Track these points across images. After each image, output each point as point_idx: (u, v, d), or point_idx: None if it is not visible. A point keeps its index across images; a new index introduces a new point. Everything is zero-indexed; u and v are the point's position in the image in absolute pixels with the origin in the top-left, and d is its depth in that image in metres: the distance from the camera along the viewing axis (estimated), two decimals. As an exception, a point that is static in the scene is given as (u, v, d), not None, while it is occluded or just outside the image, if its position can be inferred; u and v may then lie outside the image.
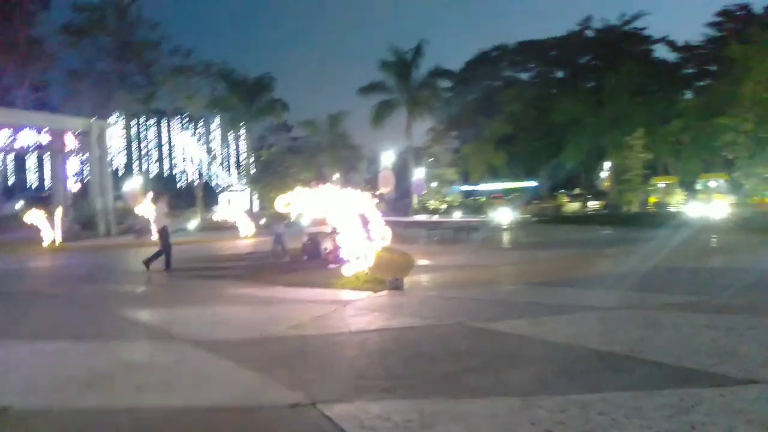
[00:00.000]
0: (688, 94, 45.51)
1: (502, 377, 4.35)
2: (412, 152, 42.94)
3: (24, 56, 37.42)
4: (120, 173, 41.89)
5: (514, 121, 45.26)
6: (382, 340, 5.80)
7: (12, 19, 36.96)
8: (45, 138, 33.30)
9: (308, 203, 9.94)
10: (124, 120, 43.29)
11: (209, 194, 47.41)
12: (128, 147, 45.24)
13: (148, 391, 4.31)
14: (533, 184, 55.49)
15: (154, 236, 24.06)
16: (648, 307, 6.66)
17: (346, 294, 8.60)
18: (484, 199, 50.18)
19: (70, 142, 34.64)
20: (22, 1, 36.46)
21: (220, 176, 47.18)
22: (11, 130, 30.76)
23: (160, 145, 46.68)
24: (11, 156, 41.25)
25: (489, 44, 63.00)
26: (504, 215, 26.66)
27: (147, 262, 12.57)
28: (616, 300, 7.33)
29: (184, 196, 41.66)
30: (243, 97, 42.94)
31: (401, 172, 39.81)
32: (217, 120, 45.72)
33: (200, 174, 46.12)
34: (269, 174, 36.05)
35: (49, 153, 34.70)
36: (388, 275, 9.46)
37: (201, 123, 46.35)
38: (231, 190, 45.85)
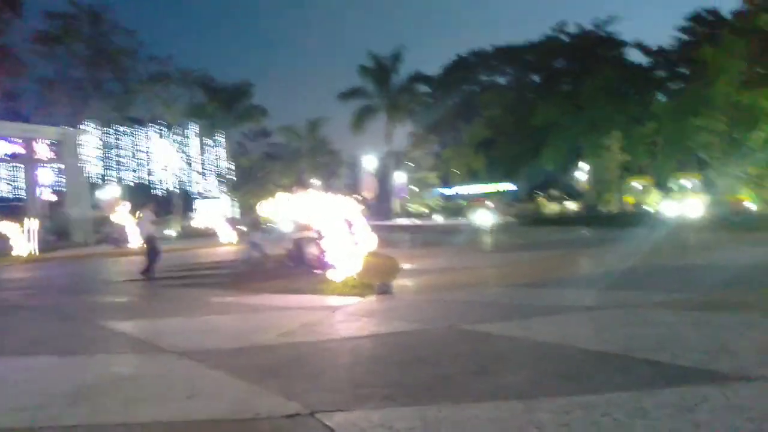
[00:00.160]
0: (661, 97, 46.36)
1: (501, 380, 4.31)
2: (393, 157, 43.01)
3: (-5, 65, 36.55)
4: (96, 182, 41.05)
5: (493, 125, 45.65)
6: (375, 346, 5.74)
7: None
8: (18, 147, 32.59)
9: (294, 209, 9.84)
10: (100, 128, 42.47)
11: (187, 202, 46.77)
12: (104, 155, 44.37)
13: (138, 405, 4.17)
14: (512, 186, 56.00)
15: (132, 245, 23.86)
16: (636, 306, 6.71)
17: (334, 300, 8.51)
18: (464, 202, 50.48)
19: (44, 151, 33.95)
20: (-7, 10, 35.65)
21: (198, 183, 46.58)
22: (-18, 139, 30.02)
23: (136, 153, 45.87)
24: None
25: (466, 50, 63.34)
26: (485, 218, 26.87)
27: (145, 272, 12.40)
28: (603, 299, 7.38)
29: (162, 204, 40.98)
30: (221, 104, 42.60)
31: (382, 176, 39.83)
32: (195, 127, 45.19)
33: (178, 182, 45.48)
34: (249, 181, 35.70)
35: (22, 163, 33.89)
36: (376, 280, 9.41)
37: (178, 130, 45.76)
38: (210, 198, 45.29)
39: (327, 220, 9.61)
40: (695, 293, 7.38)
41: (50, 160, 34.59)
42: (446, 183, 50.27)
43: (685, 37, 50.12)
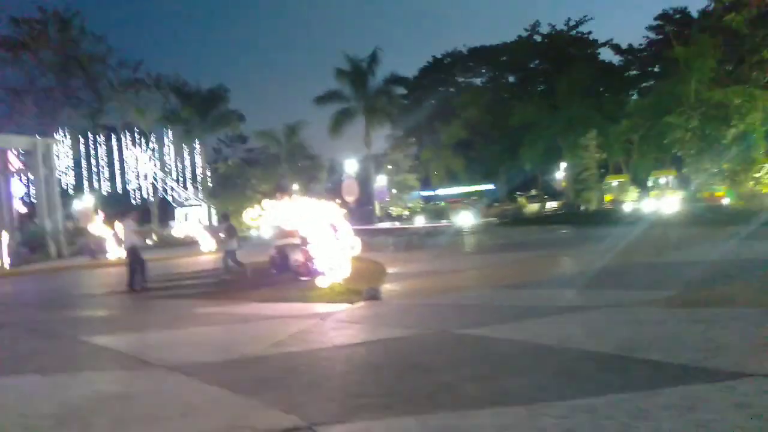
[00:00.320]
0: (634, 95, 47.22)
1: (501, 385, 4.27)
2: (372, 160, 42.92)
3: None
4: (69, 192, 40.16)
5: (470, 126, 45.90)
6: (369, 354, 5.66)
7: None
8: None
9: (279, 215, 9.71)
10: (71, 137, 41.61)
11: (165, 210, 46.02)
12: (77, 165, 43.46)
13: (131, 425, 4.04)
14: (491, 187, 56.40)
15: (110, 256, 23.35)
16: (627, 305, 6.75)
17: (323, 307, 8.41)
18: (443, 203, 50.66)
19: (14, 161, 33.08)
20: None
21: (175, 191, 45.88)
22: (-51, 150, 29.13)
23: (111, 162, 45.02)
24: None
25: (441, 51, 63.68)
26: (465, 219, 26.95)
27: (130, 285, 12.15)
28: (593, 299, 7.41)
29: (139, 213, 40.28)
30: (196, 110, 42.05)
31: (362, 179, 39.71)
32: (170, 133, 44.55)
33: (155, 189, 44.77)
34: (227, 187, 35.26)
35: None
36: (363, 285, 9.34)
37: (153, 137, 45.08)
38: (188, 205, 44.63)
39: (313, 225, 9.50)
40: (682, 290, 7.45)
41: (21, 171, 33.74)
42: (426, 185, 50.40)
43: (654, 36, 51.21)
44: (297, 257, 11.81)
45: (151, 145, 45.10)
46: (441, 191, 55.21)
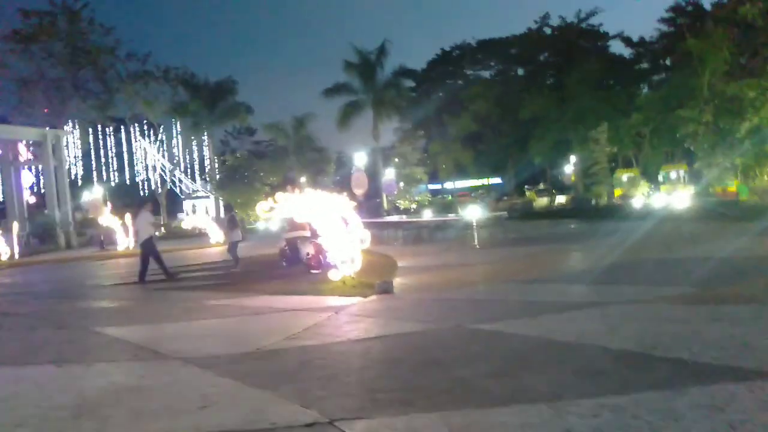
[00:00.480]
0: (645, 88, 46.76)
1: (521, 382, 4.20)
2: (380, 152, 42.77)
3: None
4: (78, 183, 40.34)
5: (478, 119, 45.65)
6: (385, 348, 5.60)
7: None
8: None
9: (291, 208, 9.66)
10: (80, 128, 41.76)
11: (173, 201, 46.17)
12: (86, 156, 43.64)
13: (148, 417, 4.00)
14: (498, 180, 56.17)
15: (119, 247, 23.44)
16: (646, 301, 6.65)
17: (335, 300, 8.36)
18: (449, 197, 50.51)
19: (24, 152, 33.25)
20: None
21: (183, 183, 45.99)
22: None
23: (120, 153, 45.19)
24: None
25: (449, 43, 63.31)
26: (474, 213, 26.76)
27: (167, 275, 12.21)
28: (609, 295, 7.32)
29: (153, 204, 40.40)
30: (205, 102, 42.02)
31: (370, 173, 39.57)
32: (178, 125, 44.61)
33: (163, 181, 44.92)
34: (235, 179, 35.26)
35: (0, 165, 33.16)
36: (374, 279, 9.28)
37: (162, 129, 45.17)
38: (196, 197, 44.73)
39: (325, 218, 9.44)
40: (699, 287, 7.35)
41: (30, 162, 33.90)
42: (434, 178, 50.22)
43: (666, 28, 50.65)
44: (308, 250, 11.77)
45: (159, 136, 45.27)
46: (448, 185, 55.05)
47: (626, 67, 50.34)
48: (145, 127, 45.57)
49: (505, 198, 44.65)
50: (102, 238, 25.57)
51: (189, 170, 46.08)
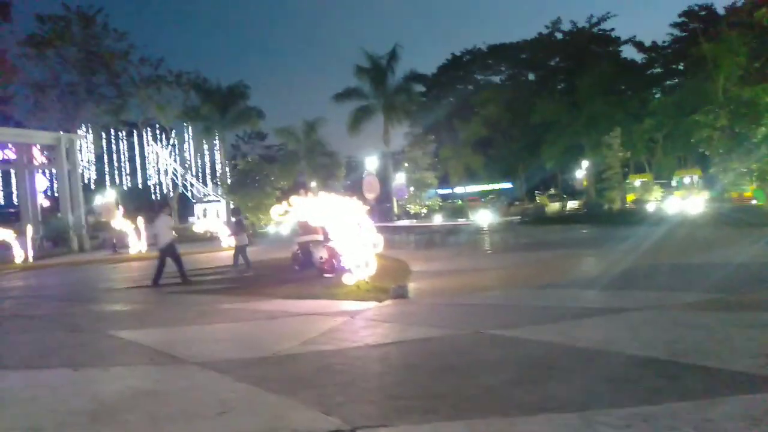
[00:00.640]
0: (658, 93, 46.38)
1: (547, 390, 4.09)
2: (391, 157, 42.71)
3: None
4: (91, 187, 40.61)
5: (489, 124, 45.44)
6: (404, 354, 5.51)
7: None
8: (10, 153, 32.16)
9: (305, 212, 9.60)
10: (93, 133, 42.10)
11: (184, 205, 46.35)
12: (99, 160, 43.96)
13: (166, 422, 3.93)
14: (508, 186, 55.89)
15: (132, 251, 23.51)
16: (669, 307, 6.51)
17: (350, 305, 8.27)
18: (459, 202, 50.32)
19: (38, 156, 33.52)
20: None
21: (195, 187, 46.16)
22: (-25, 145, 29.59)
23: (132, 157, 45.48)
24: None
25: (460, 48, 63.24)
26: (485, 217, 26.64)
27: (184, 279, 12.29)
28: (630, 301, 7.18)
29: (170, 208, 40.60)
30: (217, 106, 42.20)
31: (381, 177, 39.50)
32: (190, 130, 44.87)
33: (175, 185, 45.15)
34: (246, 183, 35.30)
35: (15, 168, 33.46)
36: (389, 283, 9.19)
37: (174, 133, 45.46)
38: (207, 201, 44.85)
39: (339, 221, 9.37)
40: (727, 293, 7.18)
41: (44, 166, 34.18)
42: (445, 183, 50.05)
43: (678, 32, 50.31)
44: (321, 254, 11.69)
45: (171, 141, 45.52)
46: (458, 189, 54.83)
47: (638, 71, 50.02)
48: (158, 132, 45.88)
49: (517, 203, 44.40)
50: (114, 241, 25.66)
51: (200, 174, 46.28)
